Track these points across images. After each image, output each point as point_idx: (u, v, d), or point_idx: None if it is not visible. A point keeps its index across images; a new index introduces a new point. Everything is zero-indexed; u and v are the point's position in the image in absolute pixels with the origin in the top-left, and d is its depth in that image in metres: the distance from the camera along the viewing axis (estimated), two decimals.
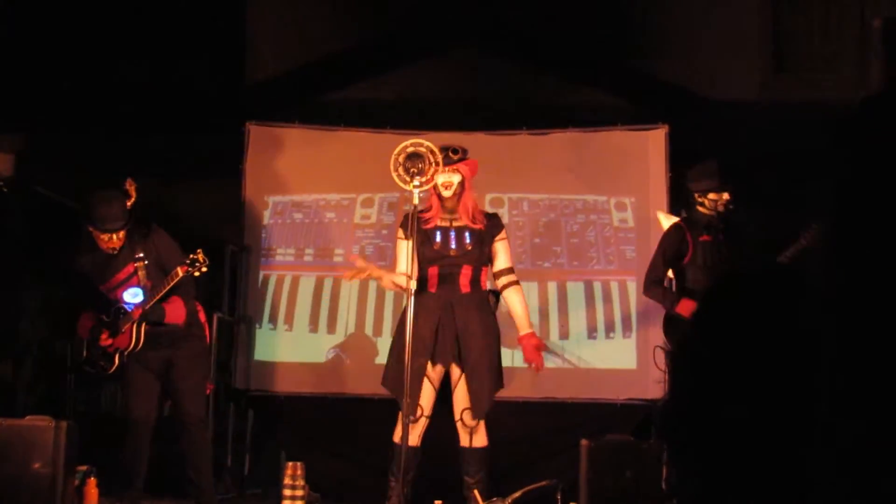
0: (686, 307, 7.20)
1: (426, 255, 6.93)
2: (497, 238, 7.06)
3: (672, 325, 7.37)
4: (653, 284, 7.49)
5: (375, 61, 10.02)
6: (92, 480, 6.12)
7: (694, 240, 7.37)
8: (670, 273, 7.61)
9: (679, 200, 8.69)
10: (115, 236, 6.92)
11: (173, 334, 6.98)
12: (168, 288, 6.79)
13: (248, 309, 9.09)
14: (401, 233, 6.92)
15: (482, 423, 6.91)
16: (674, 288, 7.56)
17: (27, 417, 5.97)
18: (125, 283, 6.93)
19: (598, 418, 8.69)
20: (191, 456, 7.01)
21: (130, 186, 7.08)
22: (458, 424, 6.91)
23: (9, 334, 9.75)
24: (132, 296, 6.87)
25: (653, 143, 8.98)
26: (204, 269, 6.82)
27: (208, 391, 7.37)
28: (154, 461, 7.13)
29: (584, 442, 5.77)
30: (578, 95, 9.63)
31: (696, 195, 7.45)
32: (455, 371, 6.91)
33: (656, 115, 9.08)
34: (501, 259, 7.04)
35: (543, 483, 6.05)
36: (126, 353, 6.91)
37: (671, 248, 7.47)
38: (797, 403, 1.58)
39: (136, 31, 9.57)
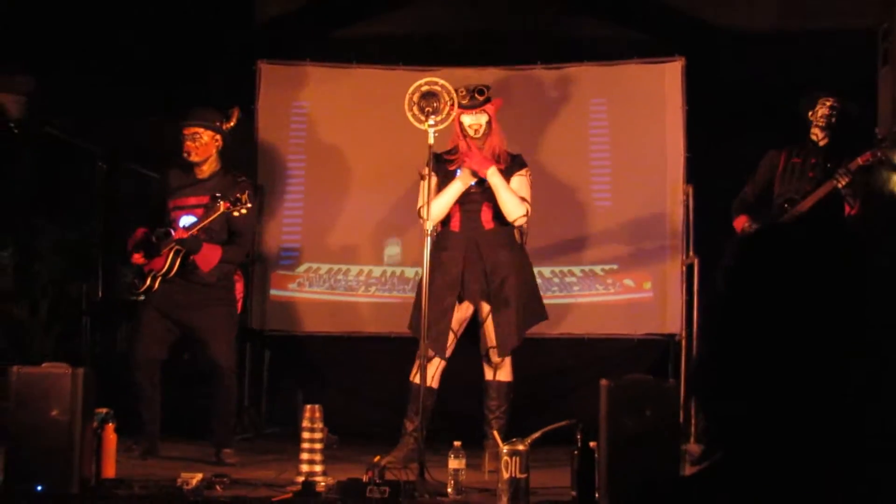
0: (739, 222, 7.43)
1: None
2: (516, 173, 6.99)
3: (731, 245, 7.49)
4: (735, 201, 7.67)
5: None
6: (110, 425, 6.10)
7: (787, 160, 7.47)
8: None
9: (697, 135, 8.63)
10: (193, 137, 7.08)
11: (204, 292, 6.98)
12: (210, 218, 6.83)
13: (263, 248, 9.05)
14: (422, 173, 6.85)
15: (508, 358, 6.91)
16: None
17: (44, 365, 5.94)
18: (190, 209, 6.96)
19: (616, 354, 8.69)
20: (218, 403, 7.06)
21: (234, 111, 7.31)
22: (484, 360, 6.91)
23: (23, 277, 9.75)
24: (184, 224, 6.90)
25: (669, 77, 8.88)
26: (243, 211, 6.87)
27: None
28: (171, 405, 7.14)
29: (602, 381, 5.72)
30: (594, 29, 9.52)
31: (809, 114, 7.65)
32: (484, 308, 6.90)
33: (673, 48, 8.95)
34: (515, 189, 6.96)
35: (563, 423, 6.01)
36: (158, 276, 6.93)
37: (761, 170, 7.79)
38: (842, 358, 1.53)
39: None
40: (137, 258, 7.09)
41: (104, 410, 6.21)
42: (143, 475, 6.20)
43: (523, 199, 6.96)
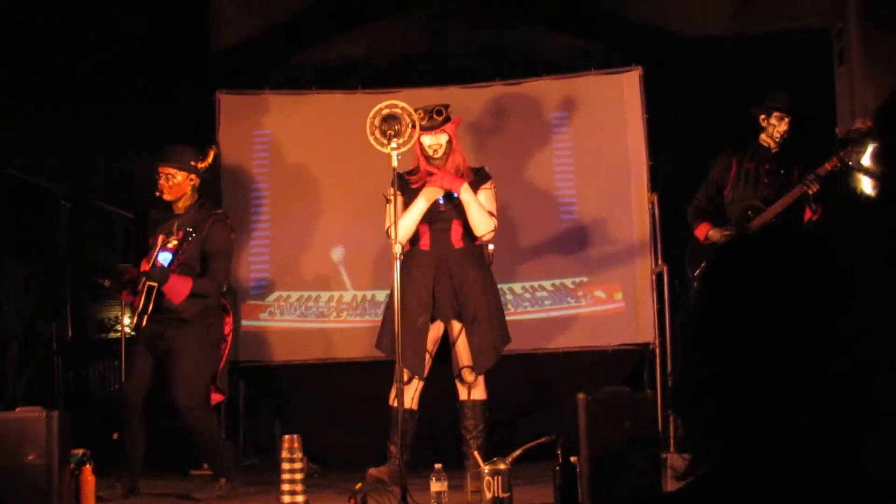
0: (702, 230, 7.44)
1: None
2: (482, 187, 7.00)
3: (693, 256, 7.47)
4: (690, 208, 7.67)
5: (341, 19, 9.90)
6: (87, 467, 6.06)
7: (739, 166, 7.48)
8: None
9: (656, 144, 8.67)
10: (167, 176, 7.10)
11: (180, 322, 6.97)
12: (160, 247, 6.84)
13: (231, 279, 9.01)
14: (387, 195, 6.83)
15: (481, 377, 6.91)
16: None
17: (18, 409, 5.90)
18: (166, 246, 6.93)
19: (591, 366, 8.70)
20: (194, 441, 7.08)
21: (211, 150, 7.38)
22: (457, 380, 6.90)
23: None
24: (163, 259, 6.89)
25: (627, 86, 8.92)
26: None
27: (214, 401, 7.34)
28: (152, 439, 7.11)
29: (580, 395, 5.74)
30: (549, 42, 9.55)
31: (762, 118, 7.65)
32: (455, 326, 6.90)
33: (629, 57, 8.99)
34: (483, 203, 6.96)
35: (543, 440, 6.02)
36: (135, 315, 7.02)
37: (712, 174, 7.79)
38: (823, 366, 1.54)
39: (102, 5, 9.41)
40: (126, 296, 7.15)
41: (81, 451, 6.17)
42: None
43: (491, 213, 6.97)
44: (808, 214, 7.43)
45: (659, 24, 9.54)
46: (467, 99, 8.90)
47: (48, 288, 10.01)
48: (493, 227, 6.96)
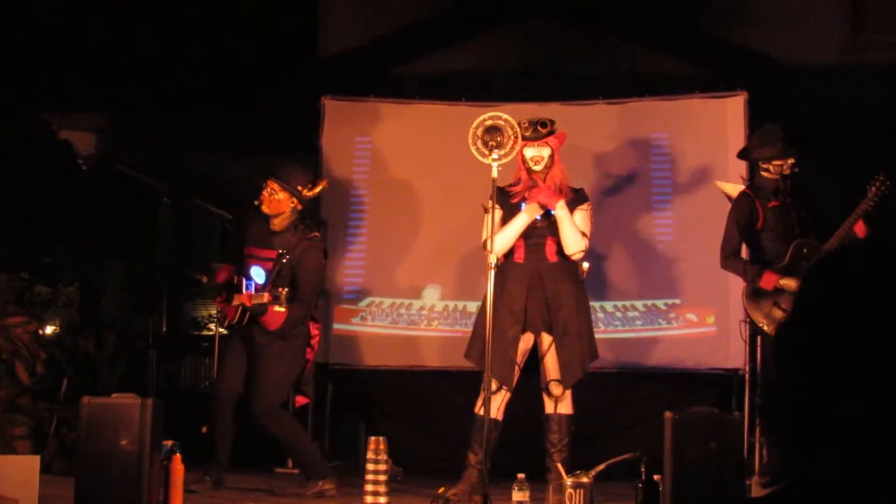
0: (769, 280, 7.10)
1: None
2: (578, 207, 7.00)
3: (754, 299, 7.26)
4: (730, 257, 7.39)
5: (449, 32, 10.01)
6: (177, 456, 6.17)
7: (763, 206, 7.28)
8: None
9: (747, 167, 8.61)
10: (270, 191, 7.20)
11: (270, 336, 7.10)
12: (275, 274, 7.01)
13: (326, 283, 9.12)
14: (485, 206, 6.86)
15: (568, 391, 6.89)
16: (748, 259, 7.46)
17: (113, 395, 6.03)
18: (261, 261, 7.06)
19: (679, 388, 8.66)
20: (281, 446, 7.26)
21: (321, 182, 7.49)
22: (544, 393, 6.88)
23: (90, 311, 9.89)
24: (256, 274, 7.01)
25: (731, 111, 8.88)
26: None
27: (298, 404, 7.48)
28: (240, 436, 7.21)
29: (667, 414, 5.72)
30: (654, 64, 9.56)
31: (760, 162, 7.35)
32: (545, 340, 6.88)
33: (735, 83, 8.95)
34: (577, 223, 6.96)
35: (627, 455, 6.01)
36: (226, 323, 7.20)
37: (743, 217, 7.35)
38: None
39: (211, 9, 9.61)
40: (220, 301, 7.31)
41: (171, 442, 6.28)
42: None
43: (584, 233, 6.96)
44: (862, 230, 7.15)
45: (767, 50, 9.50)
46: (569, 115, 8.91)
47: (146, 284, 10.20)
48: (583, 248, 6.96)
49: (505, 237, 6.86)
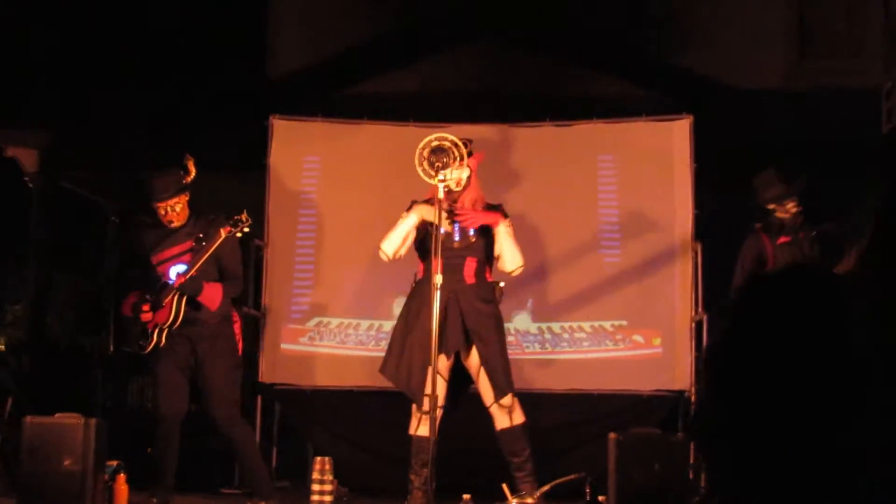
0: None
1: (429, 246, 6.85)
2: (498, 229, 7.00)
3: None
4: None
5: (397, 54, 10.03)
6: (121, 476, 6.15)
7: (773, 243, 7.38)
8: None
9: (705, 192, 8.68)
10: (169, 208, 7.05)
11: (205, 329, 7.01)
12: (211, 250, 6.87)
13: (274, 303, 9.10)
14: (414, 209, 6.90)
15: (516, 400, 6.85)
16: None
17: (56, 415, 6.00)
18: (177, 258, 6.98)
19: (625, 409, 8.69)
20: (236, 455, 7.08)
21: (189, 162, 7.20)
22: (493, 409, 6.82)
23: (36, 330, 9.82)
24: (178, 272, 6.91)
25: (677, 134, 8.95)
26: (246, 229, 6.96)
27: None
28: (184, 456, 7.16)
29: (611, 435, 5.77)
30: (602, 86, 9.62)
31: (767, 206, 7.48)
32: (473, 362, 6.86)
33: (681, 106, 9.03)
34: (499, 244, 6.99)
35: (572, 476, 6.05)
36: (164, 329, 6.95)
37: (749, 256, 7.50)
38: (836, 411, 1.57)
39: (160, 28, 9.59)
40: (146, 316, 7.10)
41: (115, 462, 6.24)
42: None
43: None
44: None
45: (712, 74, 9.59)
46: (516, 137, 8.97)
47: (93, 302, 10.14)
48: (522, 263, 7.01)
49: (394, 236, 6.88)
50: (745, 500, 1.59)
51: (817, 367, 1.57)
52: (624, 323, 8.86)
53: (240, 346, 7.31)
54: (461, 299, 6.88)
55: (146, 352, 7.05)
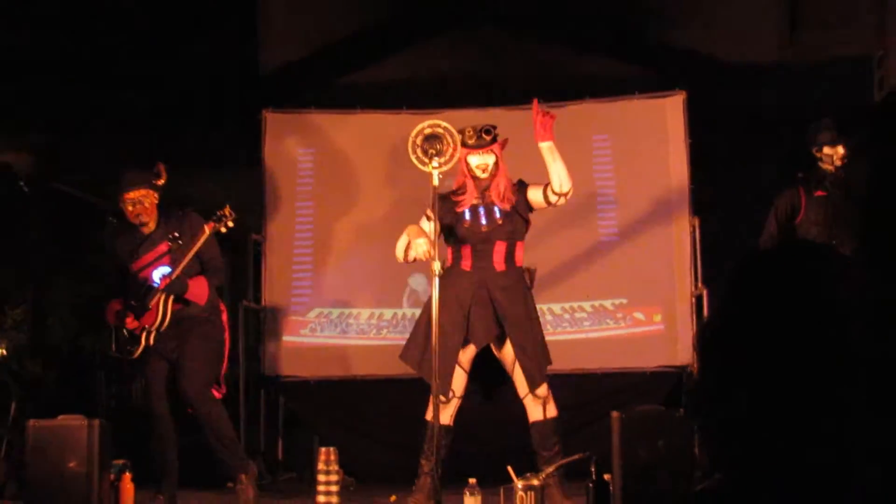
0: None
1: (458, 233, 6.79)
2: (530, 187, 6.92)
3: None
4: (764, 242, 7.52)
5: (388, 41, 10.01)
6: (127, 475, 6.16)
7: (808, 195, 7.41)
8: None
9: (701, 167, 8.68)
10: (137, 202, 6.98)
11: (192, 321, 6.99)
12: (195, 248, 6.87)
13: (274, 296, 9.11)
14: (428, 214, 6.79)
15: (550, 392, 6.79)
16: None
17: (60, 417, 6.00)
18: (157, 262, 6.95)
19: (628, 387, 8.69)
20: (208, 437, 6.97)
21: (160, 168, 7.15)
22: (527, 400, 6.76)
23: (38, 333, 9.81)
24: (161, 274, 6.89)
25: (671, 111, 8.95)
26: (230, 224, 6.93)
27: (218, 395, 7.28)
28: (189, 452, 7.15)
29: (614, 413, 5.76)
30: (594, 66, 9.60)
31: (815, 150, 7.52)
32: (507, 352, 6.77)
33: (674, 82, 9.02)
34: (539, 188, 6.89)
35: (577, 456, 6.03)
36: (152, 331, 6.92)
37: (782, 207, 7.55)
38: (831, 388, 1.56)
39: (148, 23, 9.57)
40: (131, 322, 7.03)
41: (121, 462, 6.25)
42: None
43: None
44: None
45: (705, 50, 9.57)
46: (510, 120, 8.94)
47: (94, 304, 10.12)
48: (571, 185, 6.83)
49: (398, 247, 6.80)
50: (743, 479, 1.59)
51: (810, 348, 1.56)
52: (624, 301, 8.86)
53: (226, 334, 7.27)
54: (490, 287, 6.76)
55: (135, 356, 7.02)
